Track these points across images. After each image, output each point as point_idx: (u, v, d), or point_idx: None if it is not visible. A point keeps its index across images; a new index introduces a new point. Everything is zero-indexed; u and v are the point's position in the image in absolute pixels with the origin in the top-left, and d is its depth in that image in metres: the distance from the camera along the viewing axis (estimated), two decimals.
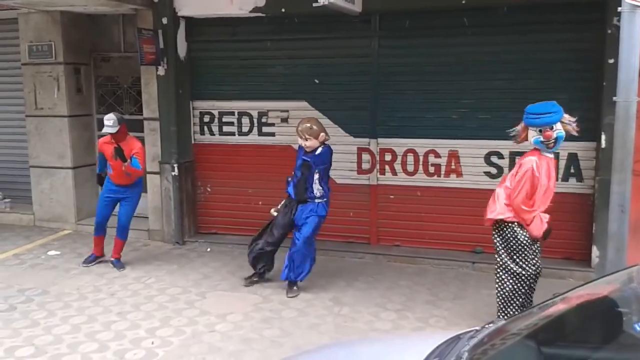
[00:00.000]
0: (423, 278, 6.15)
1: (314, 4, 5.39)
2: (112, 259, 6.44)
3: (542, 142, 4.38)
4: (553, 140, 4.37)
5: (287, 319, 5.17)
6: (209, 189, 7.59)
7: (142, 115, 7.46)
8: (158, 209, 7.41)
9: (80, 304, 5.45)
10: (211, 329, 4.94)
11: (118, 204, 6.43)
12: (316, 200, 5.60)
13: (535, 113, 4.40)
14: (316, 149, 5.56)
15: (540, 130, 4.35)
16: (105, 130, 6.10)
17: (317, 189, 5.58)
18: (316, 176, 5.56)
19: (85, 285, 5.86)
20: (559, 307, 2.60)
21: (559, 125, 4.35)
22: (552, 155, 4.55)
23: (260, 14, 6.74)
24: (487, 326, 2.67)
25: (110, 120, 6.07)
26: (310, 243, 5.66)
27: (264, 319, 5.14)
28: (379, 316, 5.20)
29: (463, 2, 6.09)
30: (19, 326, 4.97)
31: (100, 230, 6.51)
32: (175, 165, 7.19)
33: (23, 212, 8.16)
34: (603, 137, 5.79)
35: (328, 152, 5.65)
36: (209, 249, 7.16)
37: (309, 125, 5.54)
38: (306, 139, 5.52)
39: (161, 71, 7.10)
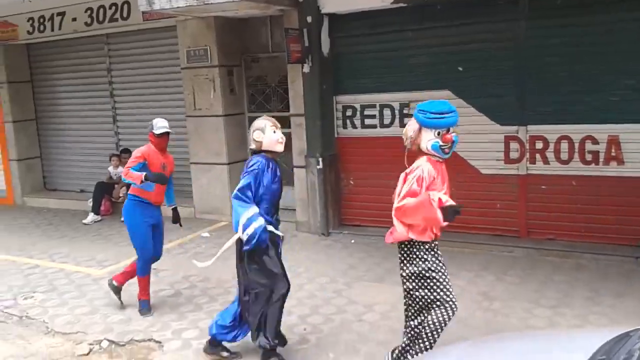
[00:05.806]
0: (580, 273, 5.77)
1: None
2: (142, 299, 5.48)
3: (441, 146, 3.64)
4: (449, 145, 3.67)
5: None
6: (351, 182, 7.73)
7: (288, 112, 7.77)
8: (304, 202, 7.68)
9: None
10: (359, 318, 5.05)
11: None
12: None
13: (438, 112, 3.62)
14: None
15: (439, 133, 3.63)
16: (164, 130, 5.24)
17: None
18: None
19: None
20: None
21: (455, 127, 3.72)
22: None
23: (402, 4, 6.71)
24: None
25: (166, 122, 5.34)
26: None
27: None
28: (533, 312, 4.96)
29: None
30: (185, 310, 5.44)
31: (149, 267, 5.45)
32: (320, 159, 7.40)
33: (185, 205, 8.83)
34: None
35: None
36: (353, 241, 7.29)
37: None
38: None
39: (306, 68, 7.31)
